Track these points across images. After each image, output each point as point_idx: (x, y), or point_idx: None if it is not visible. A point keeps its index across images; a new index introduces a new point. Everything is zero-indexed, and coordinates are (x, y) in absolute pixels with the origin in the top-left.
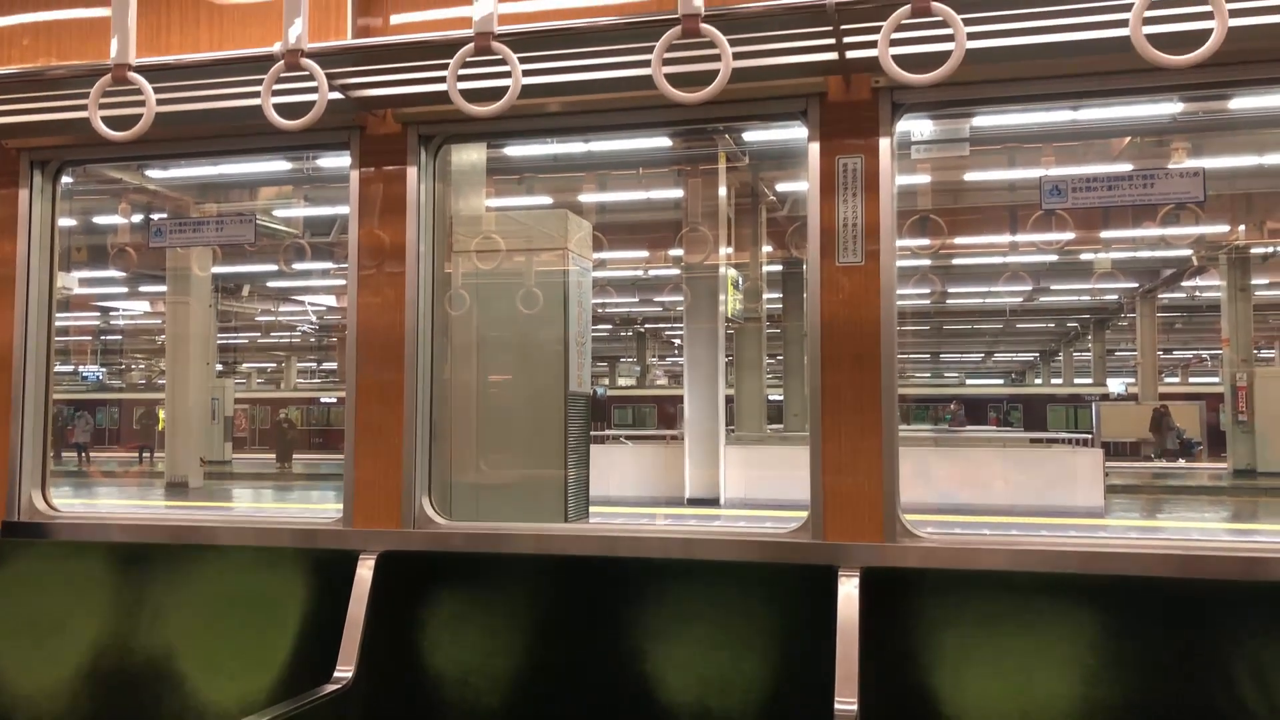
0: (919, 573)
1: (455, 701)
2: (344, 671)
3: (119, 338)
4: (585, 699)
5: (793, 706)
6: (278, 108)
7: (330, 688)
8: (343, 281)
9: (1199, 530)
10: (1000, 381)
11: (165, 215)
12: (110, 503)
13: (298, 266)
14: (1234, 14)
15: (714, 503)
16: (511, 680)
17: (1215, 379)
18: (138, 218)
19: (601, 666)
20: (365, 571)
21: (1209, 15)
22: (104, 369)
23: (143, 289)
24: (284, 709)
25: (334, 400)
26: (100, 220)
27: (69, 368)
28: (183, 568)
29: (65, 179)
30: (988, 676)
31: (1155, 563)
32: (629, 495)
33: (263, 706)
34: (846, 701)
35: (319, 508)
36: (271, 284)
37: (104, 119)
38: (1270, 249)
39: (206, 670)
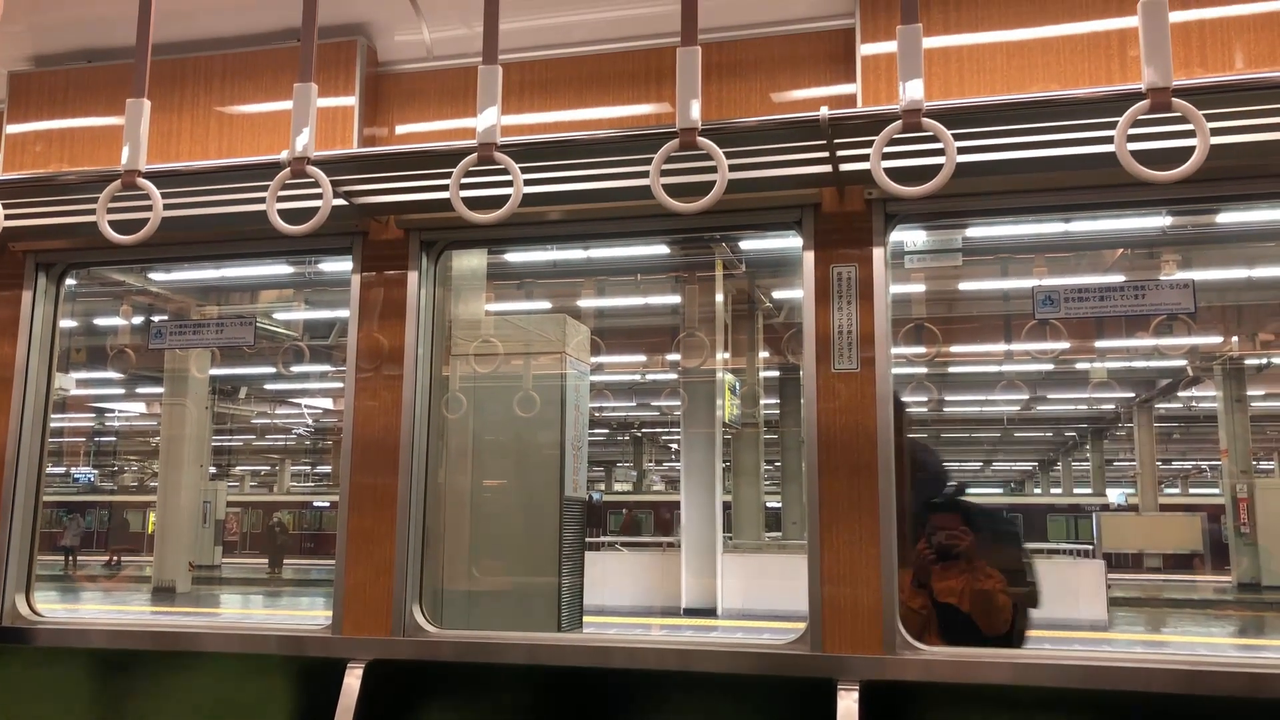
0: (920, 686)
1: None
2: None
3: (113, 439)
4: None
5: None
6: (282, 213)
7: None
8: (340, 385)
9: (1205, 646)
10: (999, 490)
11: (166, 317)
12: (95, 608)
13: (296, 369)
14: (1215, 132)
15: (711, 613)
16: None
17: (1215, 490)
18: (138, 319)
19: None
20: (353, 681)
21: (1191, 133)
22: (96, 470)
23: (139, 390)
24: None
25: (327, 504)
26: (100, 321)
27: (60, 469)
28: (166, 676)
29: (69, 281)
30: None
31: (1160, 678)
32: (624, 604)
33: None
34: None
35: (308, 614)
36: (269, 386)
37: (111, 223)
38: (1264, 360)
39: None
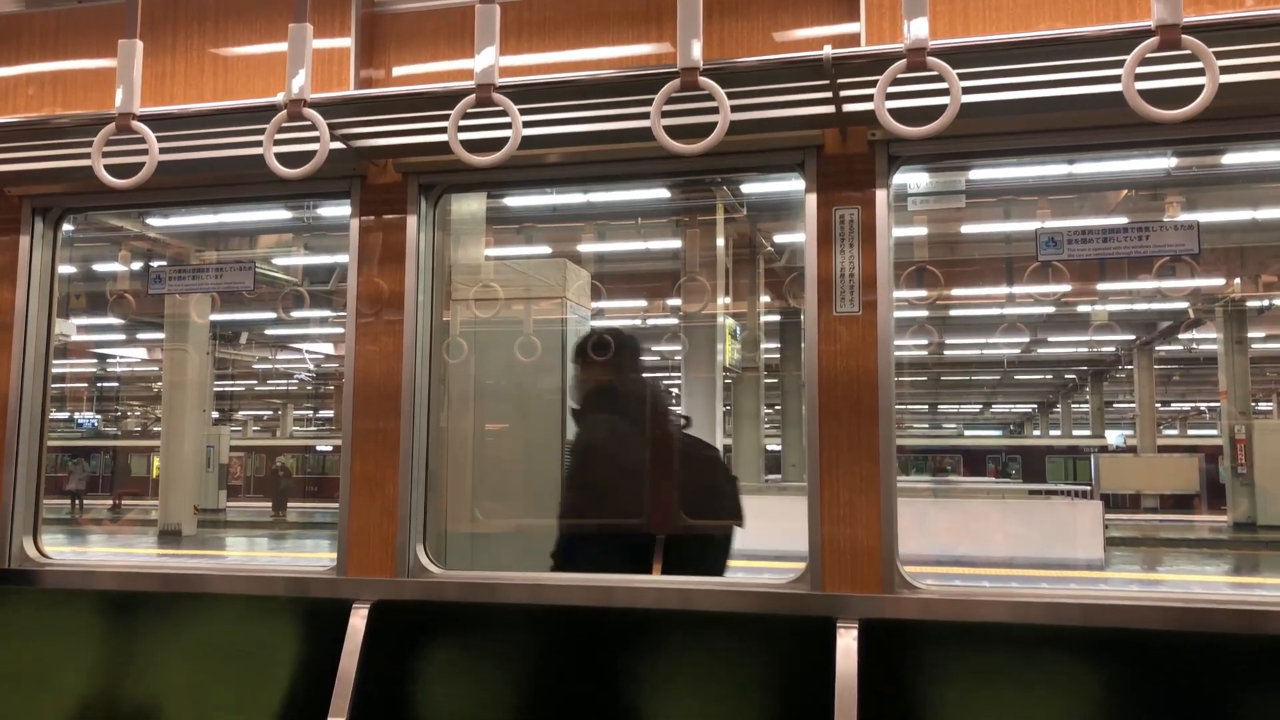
0: (918, 625)
1: None
2: None
3: (115, 384)
4: None
5: None
6: (279, 157)
7: None
8: (340, 330)
9: (1200, 584)
10: (998, 433)
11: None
12: (102, 551)
13: (296, 314)
14: (1225, 70)
15: None
16: None
17: (1214, 431)
18: (137, 265)
19: (596, 719)
20: (358, 621)
21: (1200, 71)
22: (99, 416)
23: (140, 336)
24: None
25: (330, 449)
26: (100, 267)
27: (64, 415)
28: (173, 616)
29: (66, 226)
30: None
31: (1156, 616)
32: None
33: None
34: None
35: (313, 556)
36: (269, 332)
37: (107, 167)
38: (1266, 302)
39: None
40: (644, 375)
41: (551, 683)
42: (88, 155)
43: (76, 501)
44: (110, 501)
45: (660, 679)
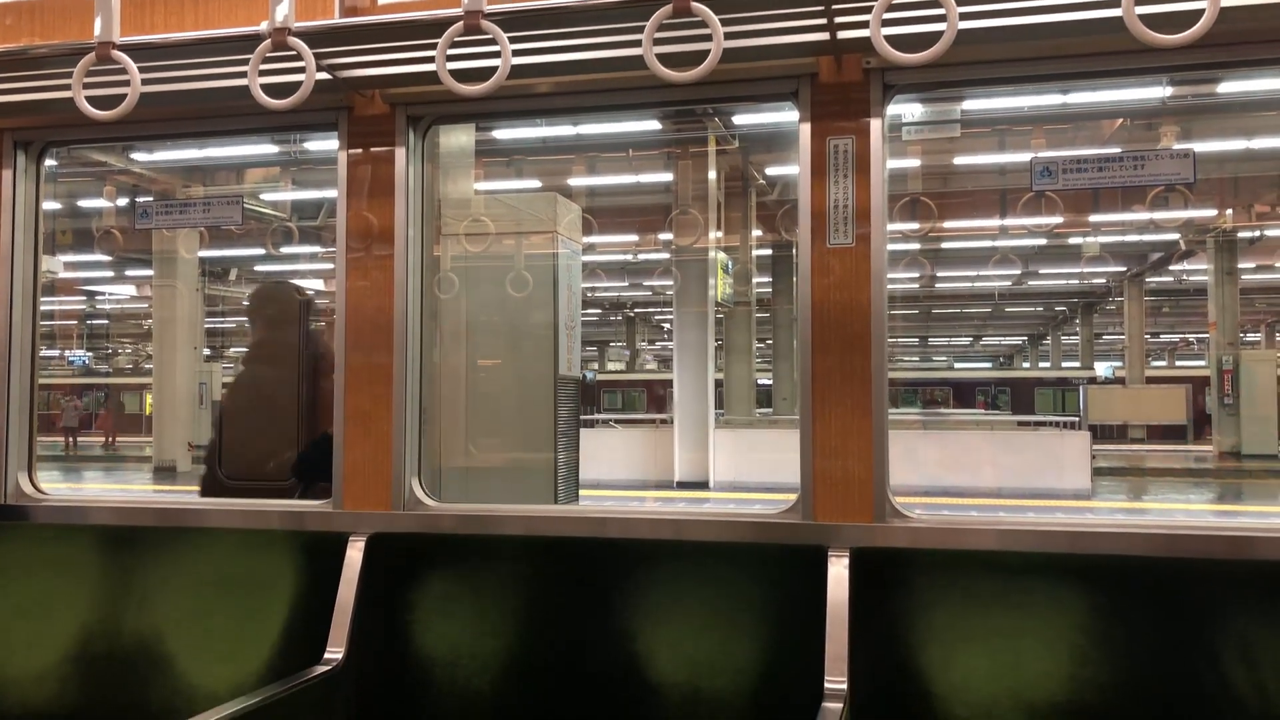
0: (908, 553)
1: (445, 682)
2: (334, 653)
3: (105, 322)
4: (575, 679)
5: (783, 685)
6: (264, 88)
7: (320, 669)
8: (331, 265)
9: (1184, 512)
10: (988, 365)
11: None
12: (99, 487)
13: (285, 250)
14: None
15: (703, 486)
16: (502, 661)
17: (1202, 362)
18: (123, 201)
19: (592, 647)
20: (355, 554)
21: None
22: (90, 353)
23: (129, 273)
24: (274, 690)
25: None
26: (85, 203)
27: (55, 352)
28: (171, 550)
29: (49, 161)
30: (977, 655)
31: (1142, 542)
32: (618, 479)
33: (253, 688)
34: (836, 681)
35: None
36: (259, 268)
37: (88, 99)
38: (1257, 233)
39: (196, 653)
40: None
41: (547, 611)
42: (68, 86)
43: (71, 439)
44: (104, 438)
45: (654, 607)
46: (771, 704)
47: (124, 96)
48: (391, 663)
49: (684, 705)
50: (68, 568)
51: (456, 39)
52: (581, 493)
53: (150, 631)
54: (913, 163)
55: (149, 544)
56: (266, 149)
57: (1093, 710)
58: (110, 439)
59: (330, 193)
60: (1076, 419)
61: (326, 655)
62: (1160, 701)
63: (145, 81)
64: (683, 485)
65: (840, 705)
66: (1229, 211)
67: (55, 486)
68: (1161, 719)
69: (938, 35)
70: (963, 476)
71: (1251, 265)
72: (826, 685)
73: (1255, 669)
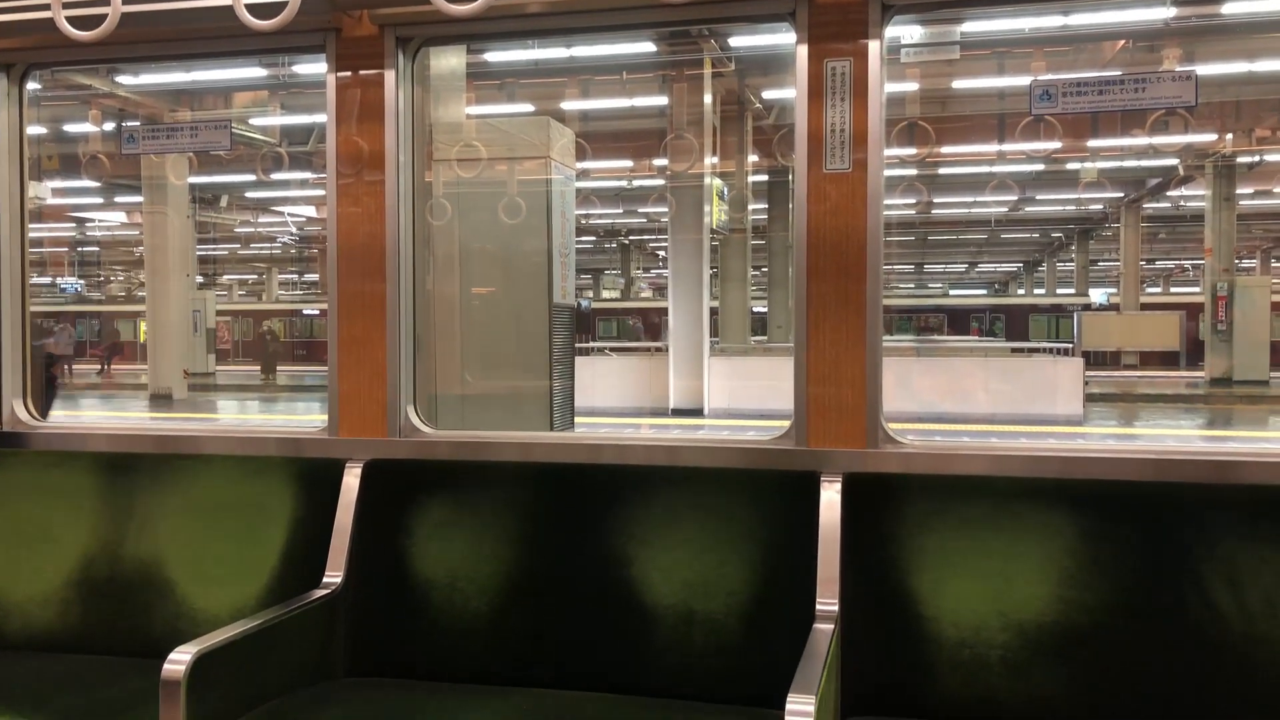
0: (900, 478)
1: (443, 605)
2: (333, 577)
3: (96, 249)
4: (572, 601)
5: (775, 608)
6: (249, 8)
7: (320, 593)
8: (322, 192)
9: (1174, 437)
10: (983, 292)
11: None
12: (96, 414)
13: (276, 176)
14: None
15: (698, 413)
16: (499, 583)
17: (1197, 289)
18: (110, 126)
19: (587, 570)
20: (352, 480)
21: None
22: (82, 281)
23: (118, 199)
24: (275, 613)
25: (316, 312)
26: (71, 128)
27: (46, 280)
28: (169, 477)
29: (32, 84)
30: (966, 578)
31: (1132, 467)
32: (613, 406)
33: (253, 612)
34: (828, 602)
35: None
36: (250, 194)
37: (69, 19)
38: (1257, 158)
39: (196, 577)
40: None
41: (544, 536)
42: (48, 6)
43: (66, 366)
44: (99, 366)
45: (648, 532)
46: (764, 625)
47: (105, 17)
48: (390, 586)
49: (678, 626)
50: (67, 494)
51: None
52: (576, 420)
53: (151, 556)
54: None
55: (147, 471)
56: (255, 73)
57: (1079, 630)
58: (106, 367)
59: (320, 117)
60: (1070, 346)
61: (325, 579)
62: (1145, 621)
63: (126, 1)
64: (677, 413)
65: (831, 626)
66: (1229, 136)
67: (53, 414)
68: (1146, 639)
69: None
70: (955, 403)
71: (1250, 191)
72: (818, 607)
73: (1239, 590)
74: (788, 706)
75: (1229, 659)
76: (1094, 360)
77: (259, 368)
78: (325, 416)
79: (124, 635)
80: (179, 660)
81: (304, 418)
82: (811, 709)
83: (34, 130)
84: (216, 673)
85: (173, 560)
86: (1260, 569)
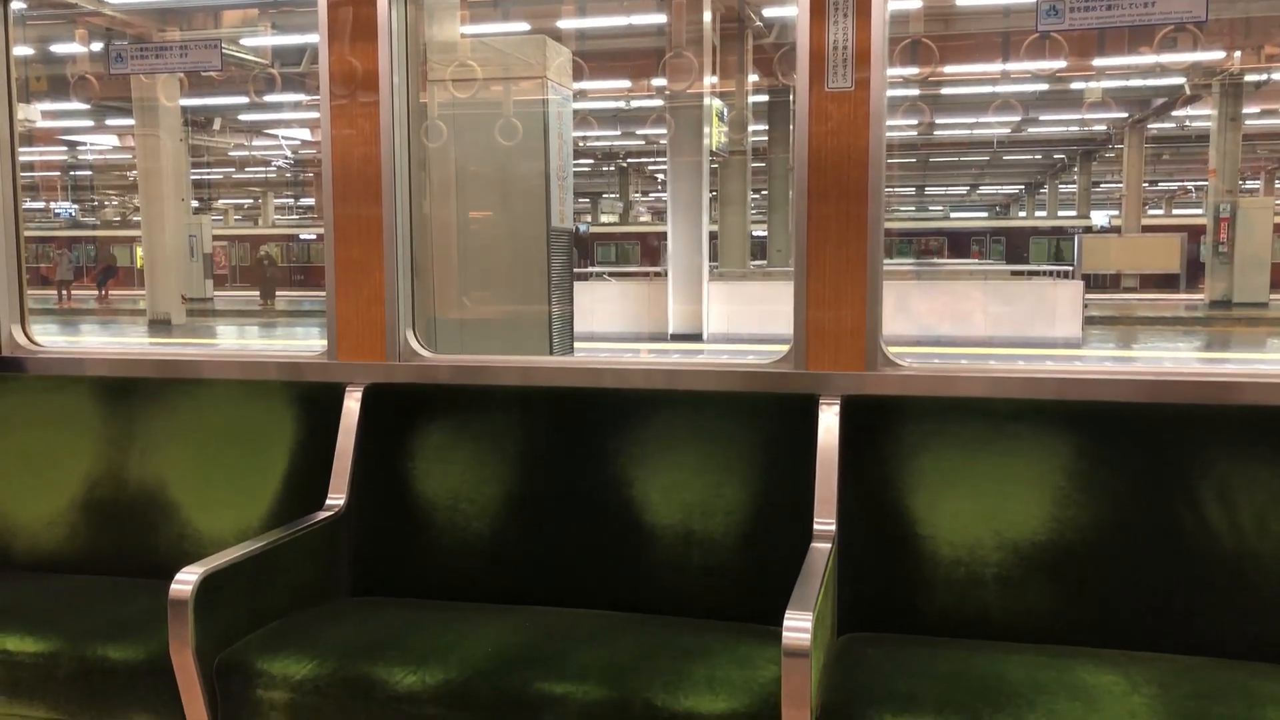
0: (898, 400)
1: (445, 526)
2: (336, 499)
3: (89, 173)
4: (572, 522)
5: (773, 528)
6: None
7: (323, 515)
8: (316, 114)
9: (1171, 359)
10: (984, 215)
11: (125, 41)
12: (97, 340)
13: (269, 99)
14: None
15: (697, 338)
16: (499, 505)
17: (1199, 211)
18: (98, 46)
19: (587, 492)
20: (352, 404)
21: None
22: (76, 205)
23: (110, 122)
24: (279, 535)
25: (314, 237)
26: (58, 49)
27: (39, 204)
28: (170, 401)
29: (15, 3)
30: (962, 498)
31: (1129, 389)
32: (612, 331)
33: (257, 534)
34: (825, 522)
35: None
36: (243, 117)
37: None
38: (1265, 76)
39: (200, 500)
40: None
41: (544, 459)
42: None
43: (64, 292)
44: (97, 292)
45: (648, 454)
46: (762, 545)
47: None
48: (392, 508)
49: (676, 546)
50: (68, 419)
51: None
52: (576, 346)
53: (154, 480)
54: (914, 3)
55: (147, 395)
56: None
57: (1072, 548)
58: (104, 293)
59: (312, 37)
60: (1070, 268)
61: (328, 502)
62: (1138, 539)
63: None
64: (676, 338)
65: (828, 546)
66: (1237, 54)
67: (53, 340)
68: (1139, 556)
69: None
70: (955, 326)
71: (1256, 110)
72: (816, 527)
73: (1232, 508)
74: (785, 623)
75: (1220, 575)
76: (1094, 283)
77: (258, 293)
78: (324, 342)
79: (130, 557)
80: (186, 580)
81: (304, 342)
82: (809, 625)
83: (20, 51)
84: (223, 592)
85: (176, 483)
86: (1253, 487)
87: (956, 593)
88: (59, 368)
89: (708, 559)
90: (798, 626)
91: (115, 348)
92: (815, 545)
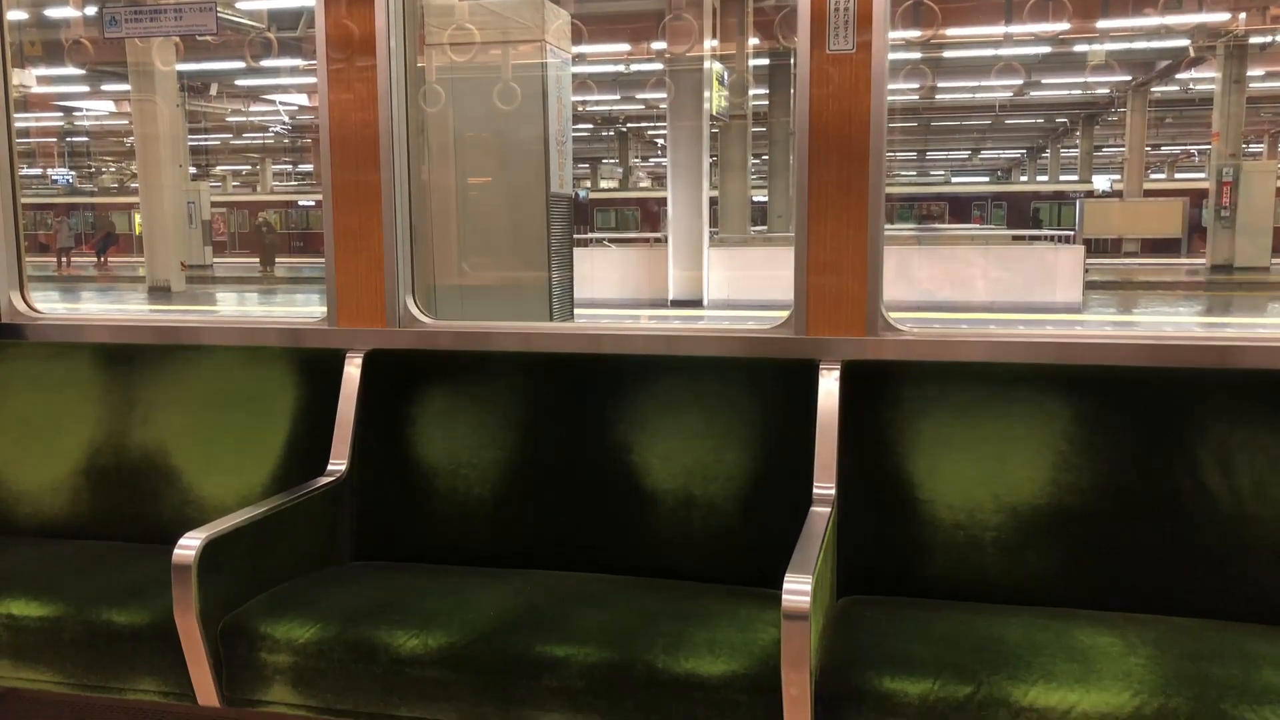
0: (899, 365)
1: (446, 491)
2: (337, 465)
3: (86, 139)
4: (573, 487)
5: (773, 492)
6: None
7: (324, 480)
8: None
9: (1172, 324)
10: (986, 179)
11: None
12: (97, 307)
13: (265, 64)
14: None
15: (697, 304)
16: (500, 471)
17: (1202, 175)
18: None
19: (588, 457)
20: (352, 370)
21: None
22: (74, 172)
23: (105, 87)
24: (281, 500)
25: (313, 203)
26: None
27: (36, 171)
28: (170, 368)
29: None
30: (962, 462)
31: (1129, 353)
32: (612, 298)
33: (259, 499)
34: (825, 487)
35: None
36: (240, 82)
37: None
38: (1270, 38)
39: (202, 465)
40: None
41: (545, 425)
42: None
43: (64, 259)
44: (97, 259)
45: (648, 420)
46: (762, 509)
47: None
48: (394, 473)
49: (677, 510)
50: (69, 385)
51: None
52: (575, 312)
53: (156, 446)
54: None
55: (148, 362)
56: None
57: (1072, 512)
58: (103, 260)
59: (309, 0)
60: (1071, 233)
61: (330, 467)
62: (1137, 503)
63: None
64: (676, 304)
65: (828, 509)
66: (1242, 15)
67: (52, 307)
68: (1138, 520)
69: None
70: (955, 291)
71: (1260, 73)
72: (815, 491)
73: (1230, 472)
74: (785, 586)
75: (1217, 538)
76: (1095, 248)
77: (257, 260)
78: (324, 309)
79: (133, 522)
80: (189, 545)
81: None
82: (808, 588)
83: (14, 15)
84: (226, 557)
85: (177, 449)
86: (1253, 451)
87: (955, 556)
88: (59, 334)
89: (708, 523)
90: (797, 589)
91: (115, 314)
92: (815, 509)
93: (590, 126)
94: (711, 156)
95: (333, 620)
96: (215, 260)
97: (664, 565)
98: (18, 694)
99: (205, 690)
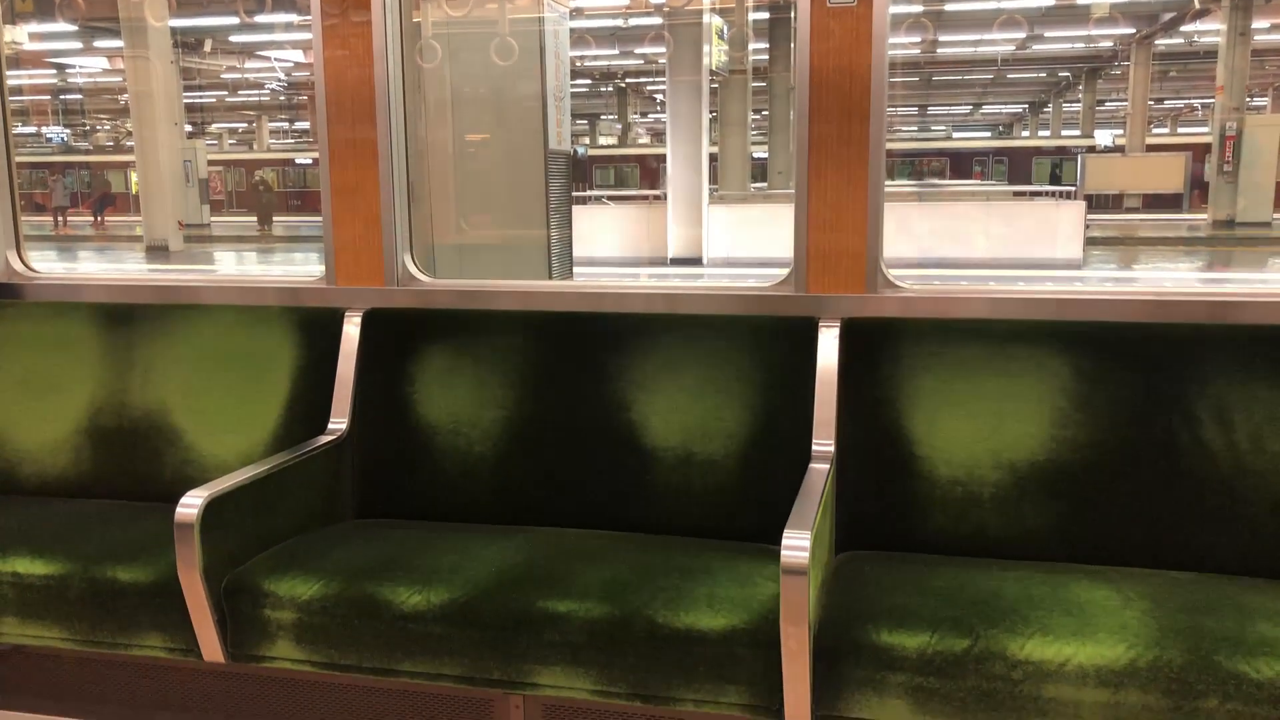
0: (898, 322)
1: (447, 449)
2: (338, 423)
3: (80, 97)
4: (573, 444)
5: (772, 449)
6: None
7: (325, 439)
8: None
9: (1172, 280)
10: (987, 135)
11: None
12: (95, 267)
13: (259, 19)
14: None
15: (697, 262)
16: (501, 429)
17: (1205, 129)
18: None
19: (588, 415)
20: (351, 329)
21: None
22: (68, 130)
23: (98, 44)
24: (283, 458)
25: (310, 161)
26: None
27: (30, 129)
28: (169, 327)
29: None
30: (961, 418)
31: (1128, 309)
32: (612, 256)
33: (260, 458)
34: (824, 443)
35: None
36: (234, 39)
37: None
38: None
39: (203, 425)
40: None
41: (545, 383)
42: None
43: (60, 218)
44: (93, 218)
45: (648, 378)
46: (762, 466)
47: None
48: (394, 431)
49: (677, 467)
50: (68, 344)
51: None
52: (575, 270)
53: (156, 405)
54: None
55: (147, 321)
56: None
57: (1069, 468)
58: (100, 220)
59: None
60: (1073, 189)
61: (330, 426)
62: (1135, 458)
63: None
64: (676, 262)
65: (827, 466)
66: None
67: (50, 267)
68: (1135, 475)
69: None
70: (956, 248)
71: (1266, 25)
72: (815, 448)
73: (1229, 427)
74: (784, 541)
75: (1215, 493)
76: (1096, 203)
77: (255, 218)
78: (323, 267)
79: (135, 481)
80: (191, 504)
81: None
82: (807, 543)
83: None
84: (229, 515)
85: (178, 408)
86: (1251, 406)
87: (954, 512)
88: (56, 294)
89: (708, 480)
90: (796, 544)
91: (111, 273)
92: (814, 466)
93: (589, 82)
94: (711, 112)
95: (335, 577)
96: (213, 219)
97: (664, 522)
98: (24, 650)
99: (210, 646)
